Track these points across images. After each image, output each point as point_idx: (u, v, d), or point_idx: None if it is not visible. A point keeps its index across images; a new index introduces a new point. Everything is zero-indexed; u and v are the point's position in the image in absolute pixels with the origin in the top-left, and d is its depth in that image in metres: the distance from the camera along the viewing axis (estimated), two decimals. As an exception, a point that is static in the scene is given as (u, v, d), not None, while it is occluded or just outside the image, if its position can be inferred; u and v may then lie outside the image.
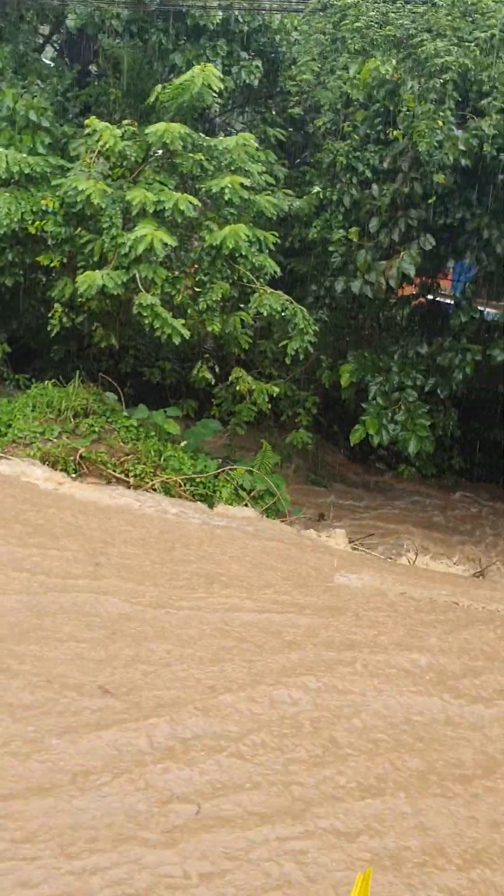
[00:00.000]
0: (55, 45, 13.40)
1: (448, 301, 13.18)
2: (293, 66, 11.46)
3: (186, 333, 9.56)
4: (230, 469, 10.11)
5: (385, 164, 10.68)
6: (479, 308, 13.02)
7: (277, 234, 10.55)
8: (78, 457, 9.54)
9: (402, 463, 12.15)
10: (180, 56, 10.93)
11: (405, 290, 12.78)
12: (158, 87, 10.38)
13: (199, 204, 9.92)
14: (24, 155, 10.25)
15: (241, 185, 9.85)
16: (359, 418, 11.04)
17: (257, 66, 11.19)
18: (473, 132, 9.97)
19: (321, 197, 10.97)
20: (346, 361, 11.37)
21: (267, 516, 9.82)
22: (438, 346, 11.33)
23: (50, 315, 10.41)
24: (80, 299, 9.86)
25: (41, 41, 13.04)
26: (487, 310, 13.61)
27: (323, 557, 8.85)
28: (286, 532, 9.56)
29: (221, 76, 10.20)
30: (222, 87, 10.25)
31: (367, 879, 2.11)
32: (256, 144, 10.63)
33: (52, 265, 10.29)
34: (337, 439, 13.57)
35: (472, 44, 10.10)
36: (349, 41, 10.91)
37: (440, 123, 9.87)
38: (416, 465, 12.03)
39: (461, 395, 12.07)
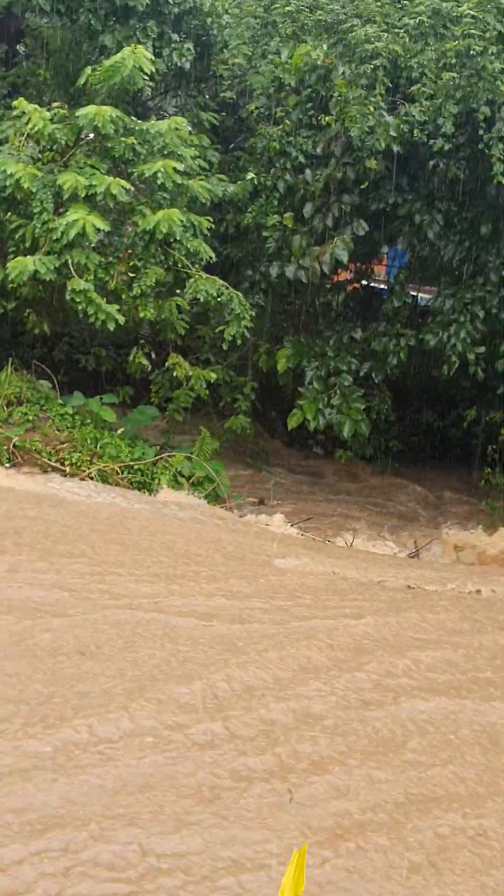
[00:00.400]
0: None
1: (382, 287, 13.37)
2: (225, 50, 11.41)
3: (121, 319, 9.48)
4: (169, 456, 10.08)
5: (318, 150, 10.74)
6: (413, 294, 13.24)
7: (212, 220, 10.50)
8: (12, 446, 9.39)
9: (340, 447, 12.32)
10: (110, 37, 10.76)
11: (340, 276, 12.92)
12: (88, 69, 10.21)
13: (132, 188, 9.82)
14: (-50, 137, 9.98)
15: (175, 169, 9.78)
16: (296, 403, 11.13)
17: (189, 49, 11.09)
18: (404, 118, 10.09)
19: (255, 182, 10.97)
20: (282, 347, 11.43)
21: (207, 502, 9.84)
22: (373, 332, 11.48)
23: (-20, 302, 10.20)
24: (11, 285, 9.67)
25: (-35, 20, 12.68)
26: (421, 295, 13.85)
27: (262, 542, 8.91)
28: (226, 517, 9.60)
29: (152, 58, 10.09)
30: (154, 69, 10.13)
31: (303, 855, 2.14)
32: (189, 128, 10.56)
33: (-20, 251, 10.06)
34: (275, 425, 13.64)
35: (402, 30, 10.20)
36: (280, 25, 10.90)
37: (371, 109, 9.96)
38: (352, 448, 12.20)
39: (396, 379, 12.27)
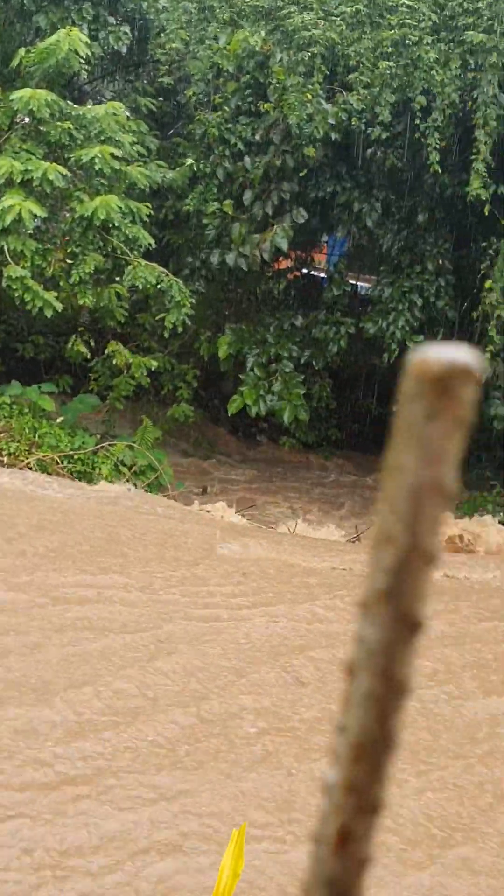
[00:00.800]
0: None
1: (323, 275, 13.45)
2: (162, 34, 11.29)
3: (59, 306, 9.35)
4: (110, 445, 10.00)
5: (257, 137, 10.72)
6: (352, 282, 13.35)
7: (151, 206, 10.42)
8: None
9: (283, 435, 12.38)
10: (44, 18, 10.55)
11: (282, 264, 12.95)
12: (22, 51, 10.00)
13: (69, 174, 9.67)
14: None
15: (112, 155, 9.66)
16: (237, 390, 11.14)
17: (125, 33, 10.94)
18: (342, 106, 10.14)
19: (195, 169, 10.90)
20: (224, 334, 11.42)
21: (149, 491, 9.79)
22: (313, 319, 11.55)
23: None
24: None
25: None
26: (361, 284, 13.97)
27: (206, 529, 8.92)
28: (168, 506, 9.57)
29: (88, 41, 9.94)
30: (89, 52, 9.98)
31: (242, 834, 2.16)
32: (127, 114, 10.43)
33: None
34: (218, 413, 13.63)
35: (339, 18, 10.23)
36: (218, 10, 10.84)
37: (309, 97, 9.98)
38: (295, 435, 12.27)
39: (337, 367, 12.37)
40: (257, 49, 10.35)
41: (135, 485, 9.72)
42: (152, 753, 4.14)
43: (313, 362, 11.55)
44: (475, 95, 9.70)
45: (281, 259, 12.65)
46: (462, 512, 10.68)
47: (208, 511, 10.02)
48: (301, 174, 10.63)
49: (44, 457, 9.38)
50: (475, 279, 10.54)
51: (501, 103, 9.65)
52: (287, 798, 3.92)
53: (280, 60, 10.21)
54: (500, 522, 10.00)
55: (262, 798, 3.91)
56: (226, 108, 10.80)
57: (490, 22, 9.59)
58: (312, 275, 13.51)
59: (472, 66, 9.79)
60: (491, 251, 10.11)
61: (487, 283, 9.92)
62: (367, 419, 14.04)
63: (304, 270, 13.37)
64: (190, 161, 10.93)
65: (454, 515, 10.47)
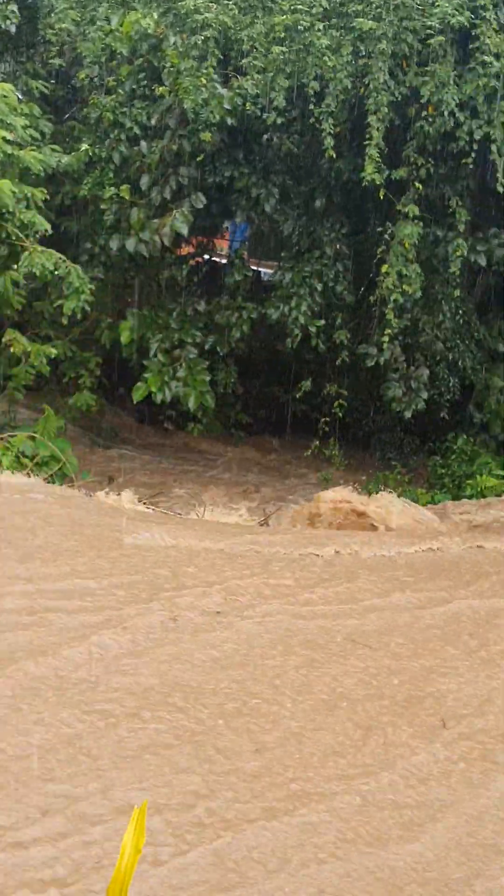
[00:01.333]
0: None
1: (225, 261, 13.46)
2: (52, 14, 11.03)
3: (-48, 295, 9.07)
4: (10, 436, 9.77)
5: (153, 121, 10.62)
6: (255, 268, 13.41)
7: (47, 191, 10.19)
8: None
9: (190, 421, 12.36)
10: None
11: (184, 250, 12.89)
12: None
13: (-42, 157, 9.37)
14: None
15: (4, 139, 9.40)
16: (141, 376, 11.05)
17: (13, 12, 10.63)
18: (237, 91, 10.14)
19: (90, 153, 10.72)
20: (125, 320, 11.31)
21: (52, 482, 9.62)
22: (216, 305, 11.55)
23: None
24: None
25: None
26: (264, 270, 14.06)
27: (112, 519, 8.83)
28: (72, 497, 9.43)
29: (-27, 20, 9.63)
30: (-25, 31, 9.68)
31: (143, 813, 2.17)
32: (19, 96, 10.16)
33: None
34: (124, 401, 13.49)
35: (231, 2, 10.22)
36: (109, -9, 10.67)
37: (204, 81, 9.94)
38: (202, 422, 12.26)
39: (242, 353, 12.42)
40: (150, 31, 10.23)
41: (37, 476, 9.53)
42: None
43: (217, 348, 11.57)
44: (367, 82, 9.86)
45: (183, 245, 12.59)
46: (366, 491, 10.93)
47: (115, 500, 9.92)
48: (198, 159, 10.59)
49: None
50: (373, 264, 10.75)
51: (392, 89, 9.84)
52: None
53: (173, 44, 10.13)
54: (398, 497, 10.25)
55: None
56: (120, 91, 10.65)
57: (379, 10, 9.75)
58: (215, 261, 13.51)
59: (363, 53, 9.94)
60: (387, 236, 10.32)
61: (384, 268, 10.13)
62: (273, 404, 14.17)
63: (207, 256, 13.35)
64: (85, 146, 10.74)
65: (358, 493, 10.71)
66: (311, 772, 4.15)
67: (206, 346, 11.45)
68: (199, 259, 13.01)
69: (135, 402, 11.34)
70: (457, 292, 10.69)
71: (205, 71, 9.97)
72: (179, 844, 3.44)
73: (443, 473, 11.82)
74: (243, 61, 10.14)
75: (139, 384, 10.94)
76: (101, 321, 11.60)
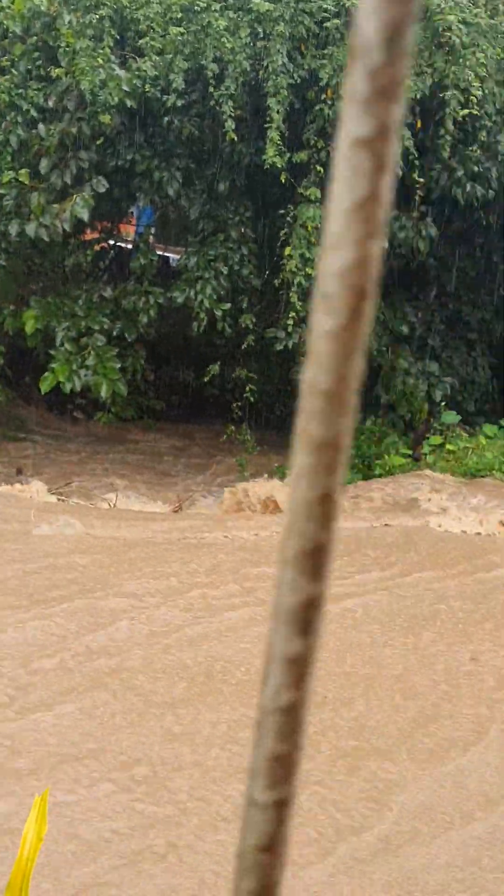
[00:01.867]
0: None
1: (132, 246, 13.28)
2: None
3: None
4: None
5: (51, 103, 10.36)
6: (163, 253, 13.28)
7: None
8: None
9: (101, 410, 12.19)
10: None
11: (89, 236, 12.65)
12: None
13: None
14: None
15: None
16: (48, 366, 10.83)
17: None
18: (136, 73, 9.99)
19: (-14, 136, 10.40)
20: (29, 308, 11.04)
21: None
22: (122, 290, 11.41)
23: None
24: None
25: None
26: (172, 255, 13.93)
27: (19, 511, 8.66)
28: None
29: None
30: None
31: (45, 800, 2.13)
32: None
33: None
34: (31, 391, 13.20)
35: (126, -19, 10.04)
36: (-1, -33, 10.32)
37: (101, 62, 9.75)
38: (112, 410, 12.12)
39: (152, 338, 12.30)
40: (43, 9, 9.97)
41: None
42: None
43: (126, 334, 11.43)
44: (266, 64, 9.86)
45: (88, 230, 12.35)
46: (278, 475, 11.02)
47: (21, 491, 9.73)
48: (99, 142, 10.40)
49: None
50: (277, 247, 10.79)
51: (291, 72, 9.86)
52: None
53: (68, 22, 9.89)
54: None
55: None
56: (14, 71, 10.35)
57: (276, -9, 9.75)
58: (121, 246, 13.32)
59: (262, 35, 9.93)
60: (289, 218, 10.37)
61: (287, 250, 10.18)
62: (185, 390, 14.12)
63: (112, 242, 13.15)
64: (-20, 128, 10.40)
65: (270, 479, 10.78)
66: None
67: (115, 333, 11.30)
68: (105, 245, 12.80)
69: (42, 393, 11.12)
70: (359, 274, 10.80)
71: (101, 51, 9.77)
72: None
73: (353, 454, 12.01)
74: (140, 42, 9.99)
75: (46, 374, 10.72)
76: (4, 309, 11.31)
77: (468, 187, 10.67)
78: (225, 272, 10.76)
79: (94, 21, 9.77)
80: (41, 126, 10.41)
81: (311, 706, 0.33)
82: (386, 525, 9.10)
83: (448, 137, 10.07)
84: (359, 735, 4.50)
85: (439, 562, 7.68)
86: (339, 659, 5.43)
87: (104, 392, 10.99)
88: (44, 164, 10.45)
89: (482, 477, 10.63)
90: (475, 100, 10.05)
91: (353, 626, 6.02)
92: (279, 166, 9.89)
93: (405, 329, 11.97)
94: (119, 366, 11.11)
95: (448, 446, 11.32)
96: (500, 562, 7.78)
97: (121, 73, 9.96)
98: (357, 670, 5.32)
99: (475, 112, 10.15)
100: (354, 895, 3.22)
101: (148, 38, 9.92)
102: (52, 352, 10.91)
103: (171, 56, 9.90)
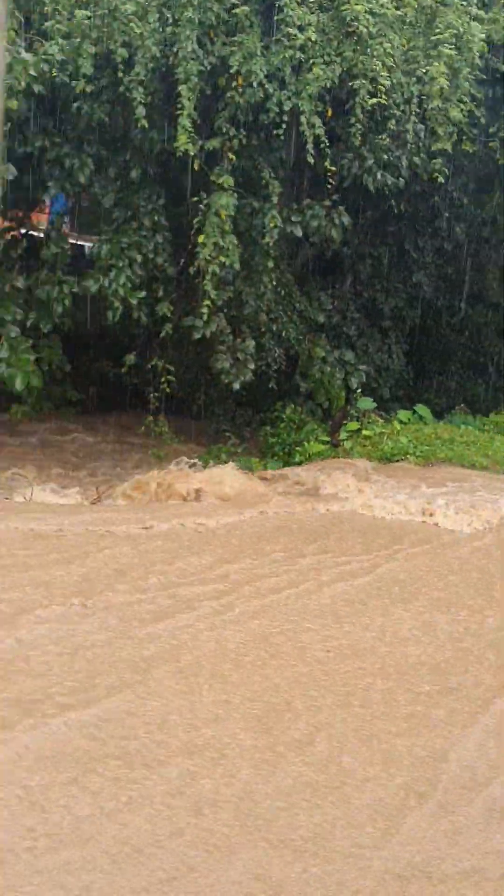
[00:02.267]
0: None
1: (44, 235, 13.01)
2: None
3: None
4: None
5: (-47, 87, 10.05)
6: (78, 242, 13.06)
7: None
8: None
9: (16, 402, 11.92)
10: None
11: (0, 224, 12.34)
12: None
13: None
14: None
15: None
16: (-41, 359, 10.54)
17: None
18: (43, 57, 9.76)
19: None
20: None
21: None
22: (35, 280, 11.18)
23: None
24: None
25: None
26: (87, 244, 13.70)
27: None
28: None
29: None
30: None
31: None
32: None
33: None
34: None
35: (30, -38, 9.80)
36: None
37: (6, 44, 9.49)
38: (28, 402, 11.87)
39: (68, 329, 12.10)
40: None
41: None
42: None
43: (40, 325, 11.21)
44: (175, 50, 9.77)
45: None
46: (201, 463, 11.00)
47: None
48: (6, 128, 10.13)
49: None
50: (191, 235, 10.73)
51: (201, 59, 9.80)
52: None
53: (-30, 4, 9.60)
54: (231, 467, 10.38)
55: None
56: None
57: (184, -24, 9.66)
58: (33, 235, 13.04)
59: (170, 21, 9.84)
60: (202, 206, 10.32)
61: (200, 238, 10.14)
62: (104, 380, 13.95)
63: (25, 231, 12.86)
64: None
65: (191, 468, 10.76)
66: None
67: (28, 324, 11.07)
68: (17, 234, 12.51)
69: (-47, 385, 10.81)
70: (271, 263, 10.86)
71: (6, 34, 9.51)
72: None
73: (273, 442, 12.09)
74: (46, 24, 9.77)
75: (-44, 366, 10.43)
76: None
77: (378, 175, 10.81)
78: (139, 260, 10.65)
79: (-2, 2, 9.51)
80: None
81: None
82: (313, 509, 9.19)
83: (358, 126, 10.18)
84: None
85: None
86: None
87: (19, 385, 10.76)
88: None
89: (397, 461, 10.84)
90: (383, 89, 10.18)
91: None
92: (191, 153, 9.83)
93: (321, 318, 12.09)
94: (34, 357, 10.89)
95: (364, 432, 11.50)
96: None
97: (27, 56, 9.73)
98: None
99: (384, 101, 10.28)
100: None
101: (54, 21, 9.71)
102: (-38, 344, 10.62)
103: (78, 40, 9.71)
